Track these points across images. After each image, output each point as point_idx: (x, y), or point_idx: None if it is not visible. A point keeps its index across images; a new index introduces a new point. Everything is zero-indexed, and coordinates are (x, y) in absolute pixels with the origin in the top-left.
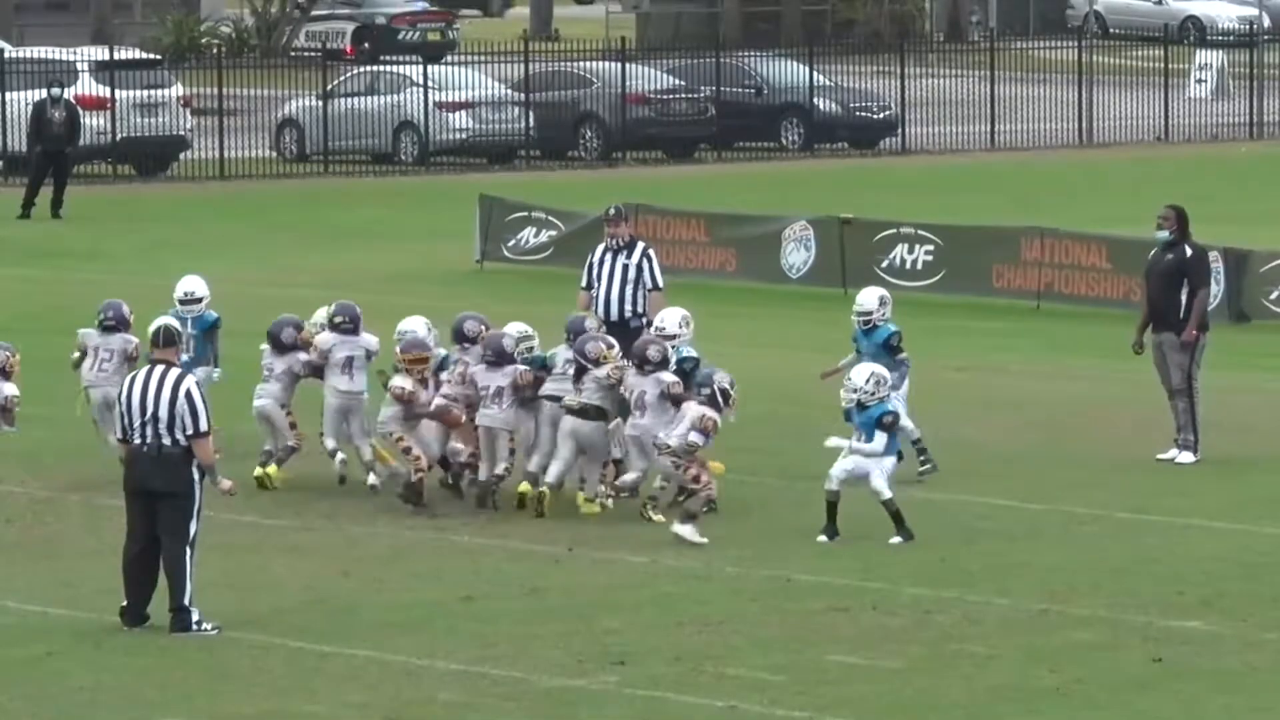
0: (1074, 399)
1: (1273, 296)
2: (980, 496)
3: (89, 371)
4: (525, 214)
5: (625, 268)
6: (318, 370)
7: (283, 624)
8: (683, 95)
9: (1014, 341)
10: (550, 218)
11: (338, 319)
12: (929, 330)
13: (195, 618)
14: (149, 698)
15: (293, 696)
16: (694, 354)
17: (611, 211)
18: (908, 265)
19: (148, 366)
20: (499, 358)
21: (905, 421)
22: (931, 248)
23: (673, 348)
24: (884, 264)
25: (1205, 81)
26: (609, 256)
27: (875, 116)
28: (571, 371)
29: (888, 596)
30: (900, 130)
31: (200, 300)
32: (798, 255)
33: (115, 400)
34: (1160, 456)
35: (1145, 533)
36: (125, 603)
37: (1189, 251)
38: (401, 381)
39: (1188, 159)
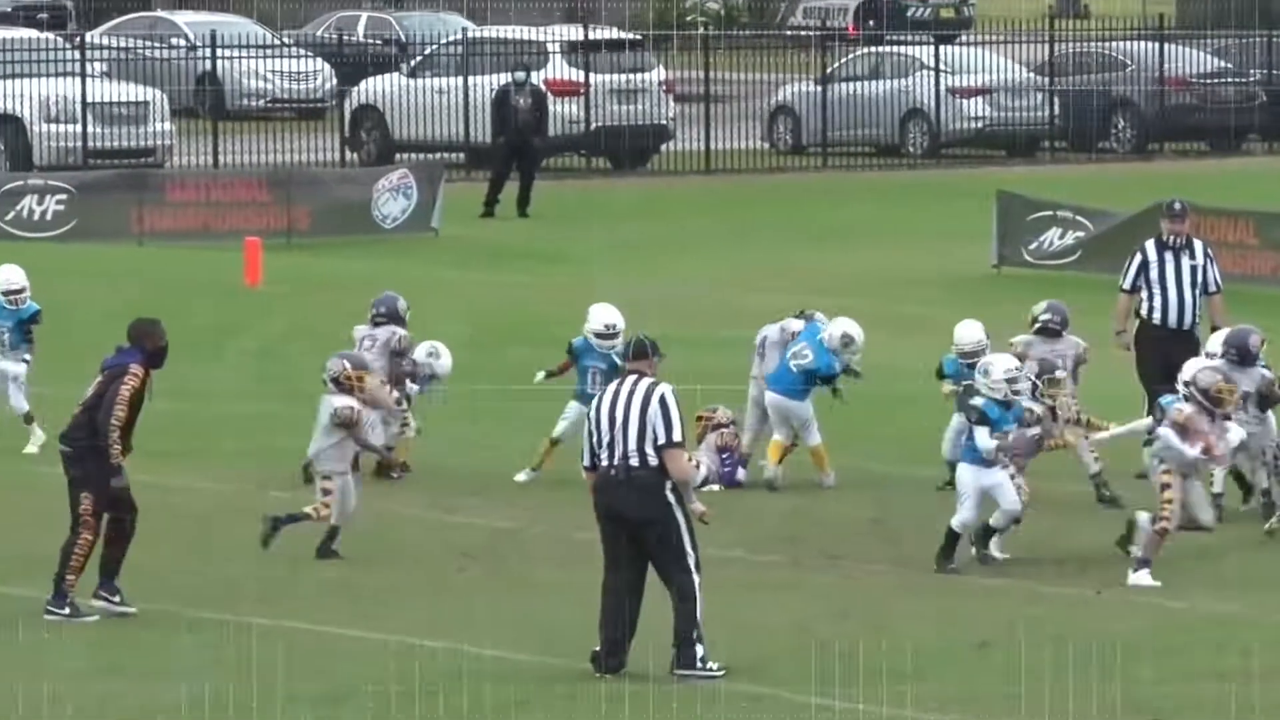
0: None
1: None
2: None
3: None
4: (1049, 213)
5: (1193, 269)
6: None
7: (775, 673)
8: (1229, 79)
9: None
10: (1078, 217)
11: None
12: None
13: (700, 653)
14: None
15: None
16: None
17: (1177, 206)
18: None
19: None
20: None
21: None
22: None
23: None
24: None
25: None
26: (1169, 257)
27: None
28: None
29: None
30: None
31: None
32: None
33: None
34: None
35: None
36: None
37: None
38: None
39: None
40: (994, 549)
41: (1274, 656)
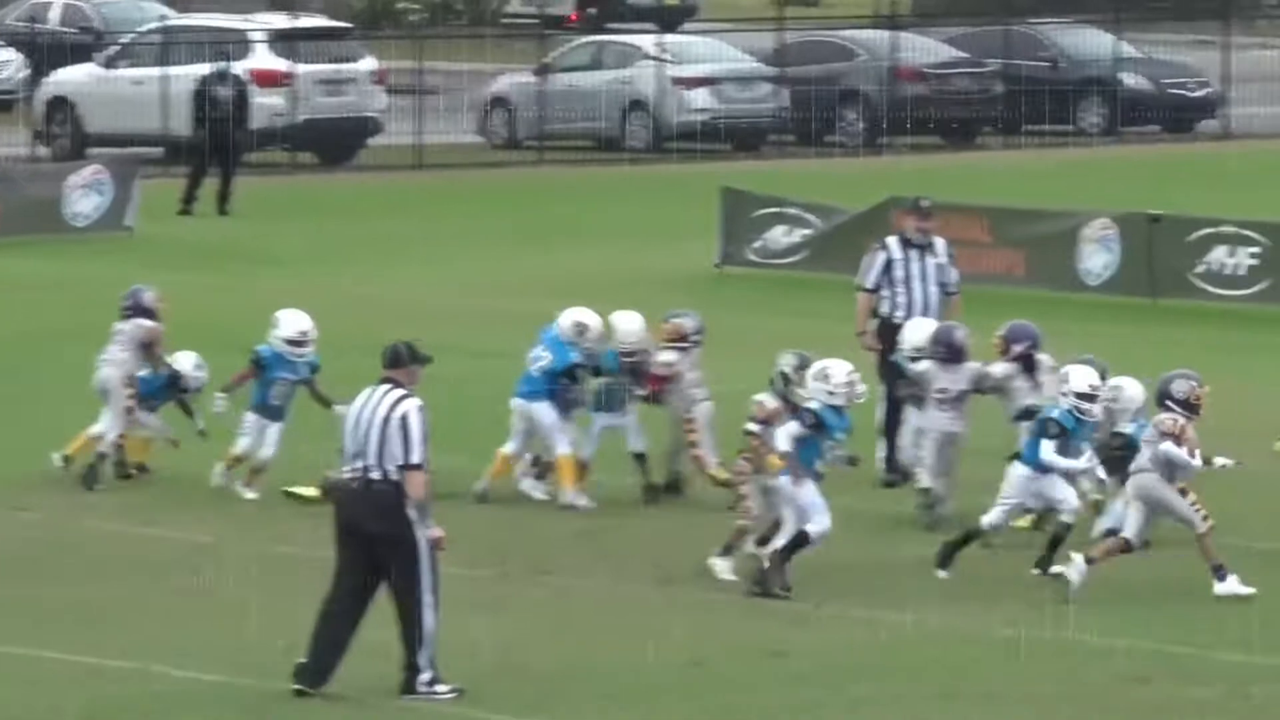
0: None
1: None
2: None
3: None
4: (775, 209)
5: (938, 268)
6: None
7: (484, 695)
8: (964, 70)
9: None
10: (805, 214)
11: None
12: (1250, 347)
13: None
14: None
15: None
16: None
17: (925, 204)
18: (1227, 270)
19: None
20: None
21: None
22: (1257, 249)
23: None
24: (1199, 269)
25: None
26: (914, 255)
27: (1192, 94)
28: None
29: (1196, 664)
30: (1222, 111)
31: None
32: (1098, 259)
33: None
34: None
35: None
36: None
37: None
38: None
39: None
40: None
41: (992, 677)
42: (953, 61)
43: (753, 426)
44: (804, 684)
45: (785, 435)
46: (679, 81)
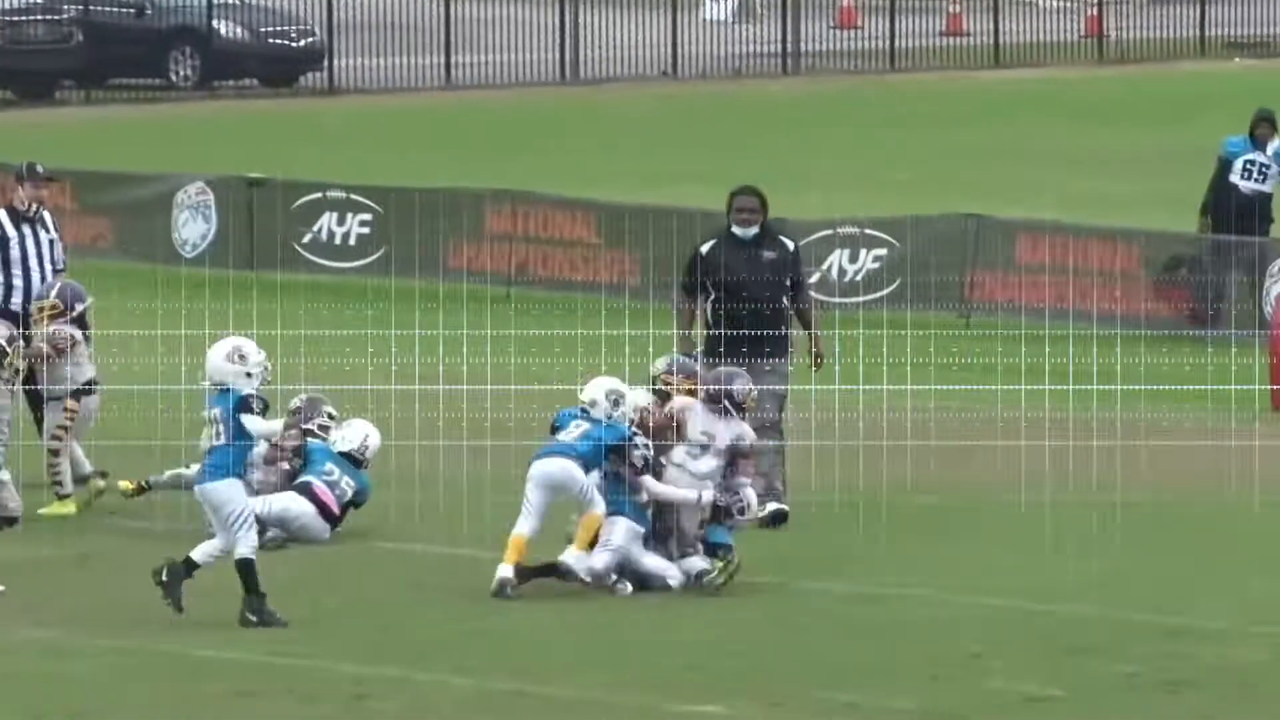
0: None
1: (813, 279)
2: (433, 545)
3: None
4: None
5: (51, 244)
6: None
7: None
8: (37, 16)
9: (480, 335)
10: None
11: None
12: (364, 322)
13: None
14: None
15: None
16: None
17: (39, 169)
18: (337, 239)
19: None
20: None
21: None
22: (368, 216)
23: None
24: (307, 239)
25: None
26: (27, 229)
27: (294, 44)
28: None
29: (311, 676)
30: (327, 63)
31: None
32: (194, 227)
33: None
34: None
35: (653, 593)
36: None
37: (789, 244)
38: None
39: (704, 99)
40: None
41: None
42: (25, 8)
43: None
44: None
45: None
46: None
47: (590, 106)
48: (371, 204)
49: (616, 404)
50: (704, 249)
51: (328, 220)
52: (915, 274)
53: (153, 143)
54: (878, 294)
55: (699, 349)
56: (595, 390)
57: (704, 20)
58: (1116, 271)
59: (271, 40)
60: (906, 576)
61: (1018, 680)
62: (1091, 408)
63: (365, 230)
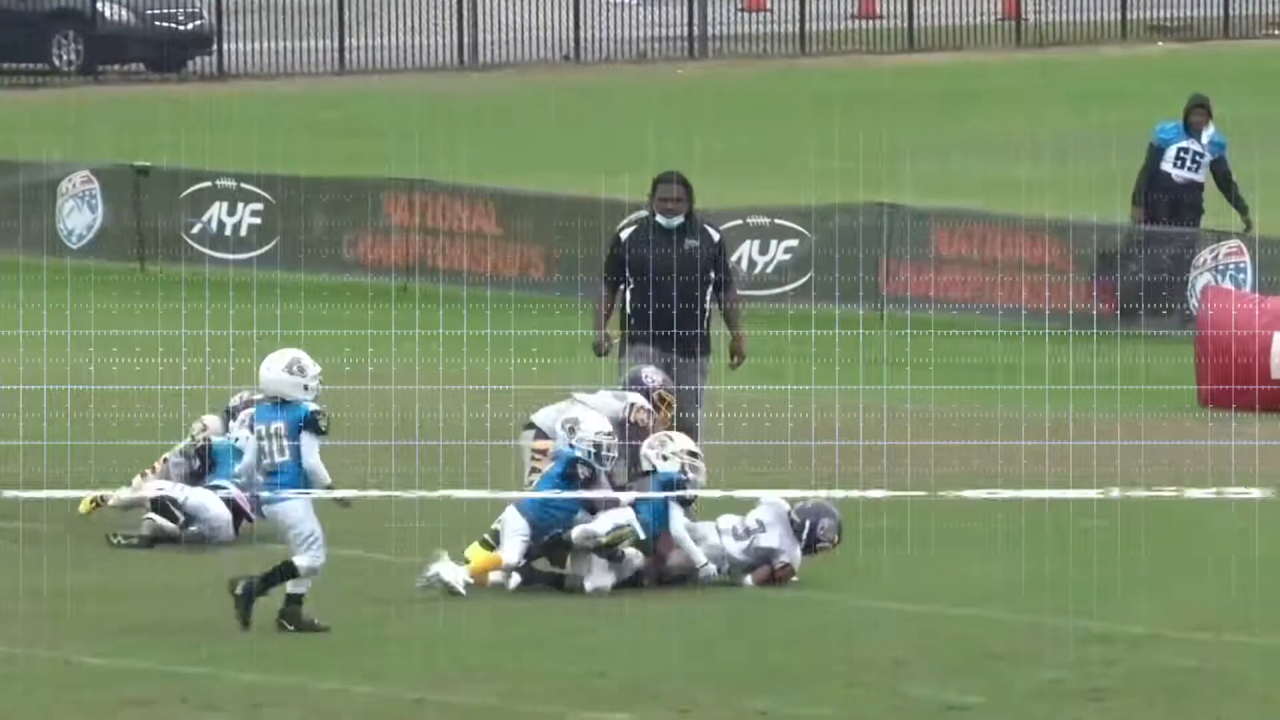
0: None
1: None
2: (342, 548)
3: None
4: None
5: None
6: None
7: None
8: None
9: (380, 333)
10: None
11: None
12: (264, 318)
13: None
14: None
15: None
16: None
17: None
18: (228, 229)
19: None
20: None
21: None
22: (260, 206)
23: None
24: (196, 229)
25: None
26: None
27: (182, 28)
28: None
29: (206, 685)
30: (216, 46)
31: None
32: (80, 217)
33: None
34: None
35: (558, 596)
36: None
37: (715, 235)
38: None
39: (606, 84)
40: None
41: None
42: None
43: None
44: None
45: None
46: None
47: (489, 91)
48: (263, 193)
49: (572, 431)
50: (624, 234)
51: (218, 210)
52: (827, 267)
53: (35, 129)
54: (788, 287)
55: (615, 343)
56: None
57: (607, 2)
58: (1046, 265)
59: (158, 23)
60: (825, 580)
61: (938, 687)
62: (1020, 407)
63: (256, 220)
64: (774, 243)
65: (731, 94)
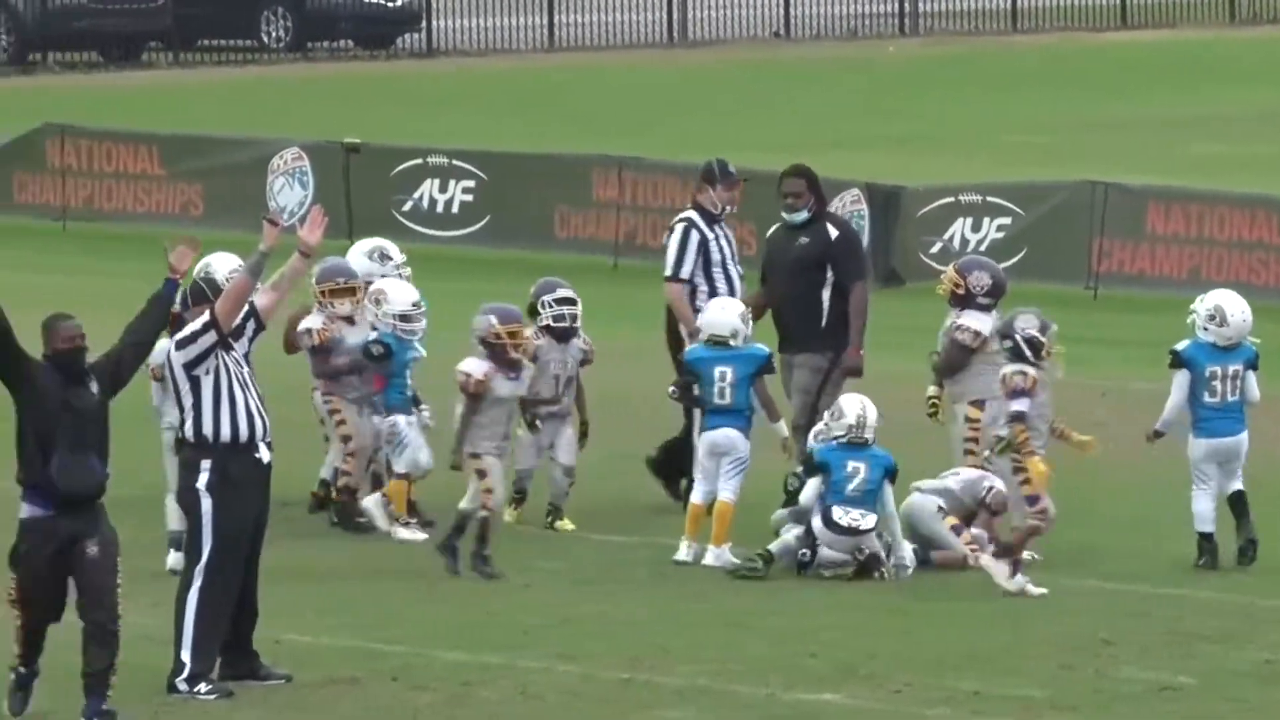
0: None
1: (934, 250)
2: (537, 526)
3: None
4: None
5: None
6: None
7: None
8: None
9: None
10: None
11: None
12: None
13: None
14: None
15: None
16: None
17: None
18: (440, 207)
19: None
20: None
21: None
22: (472, 183)
23: None
24: (407, 206)
25: None
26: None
27: (391, 4)
28: None
29: (413, 663)
30: (425, 23)
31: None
32: (290, 194)
33: None
34: None
35: (757, 582)
36: None
37: (833, 232)
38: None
39: (816, 62)
40: None
41: None
42: None
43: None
44: None
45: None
46: None
47: (698, 69)
48: (475, 169)
49: (745, 322)
50: (771, 229)
51: (429, 187)
52: (1039, 244)
53: (244, 107)
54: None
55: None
56: (728, 317)
57: None
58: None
59: (366, 1)
60: (1028, 561)
61: (1147, 668)
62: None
63: (469, 198)
64: (986, 220)
65: (942, 70)
